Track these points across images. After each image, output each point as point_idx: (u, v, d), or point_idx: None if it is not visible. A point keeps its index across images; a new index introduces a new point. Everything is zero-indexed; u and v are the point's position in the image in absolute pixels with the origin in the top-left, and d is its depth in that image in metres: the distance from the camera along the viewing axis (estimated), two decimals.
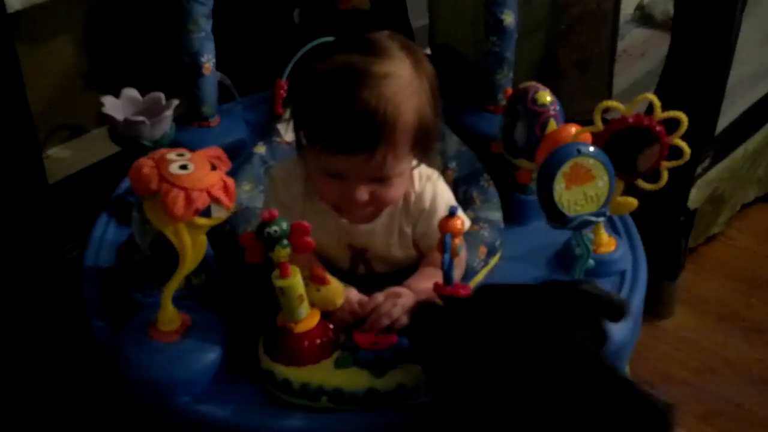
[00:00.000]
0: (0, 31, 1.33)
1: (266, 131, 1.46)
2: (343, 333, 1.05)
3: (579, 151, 1.02)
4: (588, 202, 1.04)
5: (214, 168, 0.98)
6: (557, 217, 1.03)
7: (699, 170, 1.64)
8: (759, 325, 1.70)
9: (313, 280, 1.01)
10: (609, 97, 1.64)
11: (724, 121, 1.63)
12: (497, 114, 1.39)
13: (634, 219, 1.30)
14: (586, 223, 1.04)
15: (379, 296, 1.06)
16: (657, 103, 1.08)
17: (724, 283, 1.79)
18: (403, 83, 1.07)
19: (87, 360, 1.25)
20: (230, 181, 0.99)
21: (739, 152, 1.78)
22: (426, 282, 1.09)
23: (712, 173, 1.71)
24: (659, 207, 1.61)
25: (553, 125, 1.23)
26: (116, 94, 1.30)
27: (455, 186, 1.31)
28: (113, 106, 1.29)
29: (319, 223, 1.14)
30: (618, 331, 1.08)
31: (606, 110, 1.09)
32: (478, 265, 1.18)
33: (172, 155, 0.98)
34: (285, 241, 0.97)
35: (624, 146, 1.10)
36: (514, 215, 1.31)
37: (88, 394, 1.42)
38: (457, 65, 1.70)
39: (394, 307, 1.04)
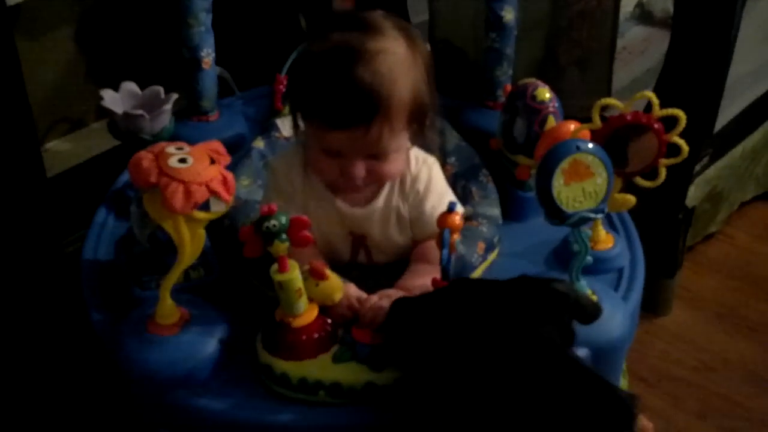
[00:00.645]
0: (0, 24, 1.33)
1: (265, 126, 1.46)
2: (342, 328, 1.05)
3: (578, 148, 1.02)
4: (587, 199, 1.04)
5: (213, 162, 0.99)
6: (556, 214, 1.03)
7: (697, 168, 1.64)
8: (756, 323, 1.70)
9: (311, 275, 1.01)
10: (608, 94, 1.64)
11: (722, 119, 1.63)
12: (497, 110, 1.39)
13: (633, 217, 1.30)
14: (585, 220, 1.04)
15: (373, 297, 1.07)
16: (655, 100, 1.08)
17: (722, 281, 1.80)
18: (398, 59, 1.09)
19: (86, 353, 1.25)
20: (229, 175, 0.99)
21: (738, 150, 1.78)
22: (418, 279, 1.10)
23: (711, 171, 1.71)
24: (657, 205, 1.61)
25: (552, 122, 1.24)
26: (115, 88, 1.30)
27: (454, 181, 1.32)
28: (112, 100, 1.29)
29: (320, 211, 1.17)
30: (615, 328, 1.09)
31: (605, 108, 1.09)
32: (477, 260, 1.18)
33: (171, 149, 0.98)
34: (284, 236, 0.98)
35: (623, 143, 1.11)
36: (512, 212, 1.31)
37: (87, 388, 1.42)
38: (457, 61, 1.70)
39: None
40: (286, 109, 1.48)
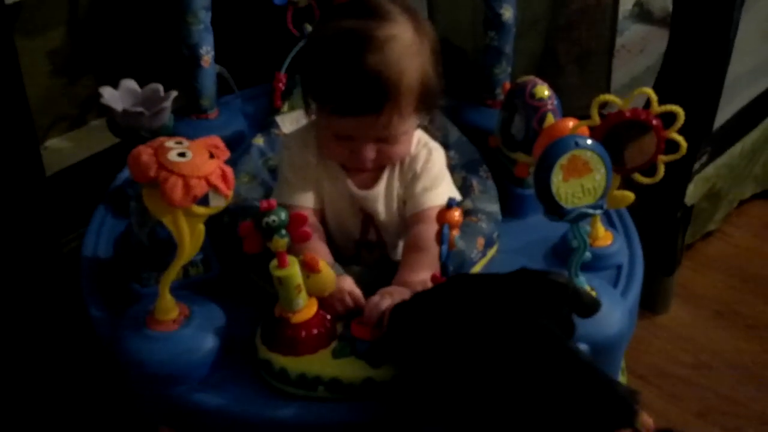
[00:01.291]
0: None
1: (265, 124, 1.46)
2: (341, 323, 1.05)
3: (577, 144, 1.02)
4: (585, 195, 1.04)
5: (212, 156, 0.99)
6: (555, 209, 1.03)
7: (696, 166, 1.64)
8: (755, 321, 1.70)
9: (304, 267, 1.01)
10: (607, 92, 1.64)
11: (721, 117, 1.63)
12: (495, 108, 1.40)
13: (632, 215, 1.31)
14: (584, 216, 1.05)
15: (374, 297, 1.07)
16: (654, 97, 1.08)
17: (721, 280, 1.80)
18: (406, 45, 1.11)
19: (85, 350, 1.25)
20: (228, 170, 0.99)
21: (737, 149, 1.78)
22: (416, 273, 1.10)
23: (710, 169, 1.71)
24: (656, 203, 1.62)
25: (550, 119, 1.24)
26: (115, 86, 1.30)
27: (453, 173, 1.31)
28: (112, 97, 1.29)
29: (333, 188, 1.20)
30: (614, 324, 1.09)
31: (603, 105, 1.09)
32: (476, 256, 1.18)
33: (170, 143, 0.98)
34: (283, 231, 0.98)
35: (621, 140, 1.11)
36: (511, 209, 1.31)
37: (87, 384, 1.43)
38: (456, 60, 1.70)
39: (386, 302, 1.05)
40: (286, 107, 1.48)
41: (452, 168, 1.32)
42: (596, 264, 1.16)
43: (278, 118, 1.46)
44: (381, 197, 1.20)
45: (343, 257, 1.18)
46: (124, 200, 1.27)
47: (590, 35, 1.65)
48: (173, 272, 1.03)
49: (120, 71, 1.38)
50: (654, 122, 1.09)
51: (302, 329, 1.01)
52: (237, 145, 1.39)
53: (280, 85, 1.48)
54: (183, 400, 1.02)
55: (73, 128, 1.66)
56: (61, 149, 1.63)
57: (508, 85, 1.36)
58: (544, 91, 1.26)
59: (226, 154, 1.02)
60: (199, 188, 0.95)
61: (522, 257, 1.20)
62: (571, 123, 1.15)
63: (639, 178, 1.13)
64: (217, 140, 1.02)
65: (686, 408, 1.54)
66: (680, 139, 1.10)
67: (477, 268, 1.18)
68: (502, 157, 1.33)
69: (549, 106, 1.25)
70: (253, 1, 1.69)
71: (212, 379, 1.04)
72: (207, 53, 1.41)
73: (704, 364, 1.62)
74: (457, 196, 1.22)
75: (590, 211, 1.04)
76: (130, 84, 1.31)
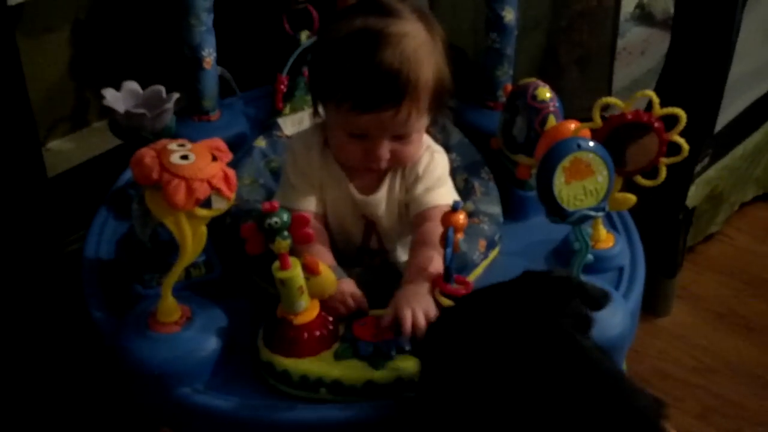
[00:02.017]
0: (1, 24, 1.33)
1: (266, 126, 1.46)
2: (343, 325, 1.05)
3: (579, 146, 1.02)
4: (587, 197, 1.04)
5: (214, 159, 0.99)
6: (557, 212, 1.03)
7: (698, 168, 1.64)
8: (756, 324, 1.70)
9: (305, 269, 1.01)
10: (609, 94, 1.64)
11: (723, 119, 1.63)
12: (497, 110, 1.40)
13: (633, 217, 1.31)
14: (586, 218, 1.05)
15: (387, 316, 1.05)
16: (656, 99, 1.08)
17: (722, 282, 1.79)
18: (420, 42, 1.12)
19: (88, 352, 1.25)
20: (231, 172, 0.99)
21: (738, 151, 1.78)
22: (425, 272, 1.09)
23: (711, 172, 1.71)
24: (658, 205, 1.61)
25: (552, 121, 1.24)
26: (117, 87, 1.31)
27: (455, 175, 1.31)
28: (114, 99, 1.29)
29: (336, 192, 1.20)
30: (616, 326, 1.09)
31: (605, 107, 1.09)
32: (478, 258, 1.18)
33: (173, 145, 0.98)
34: (286, 233, 0.98)
35: (623, 142, 1.11)
36: (513, 211, 1.31)
37: (88, 386, 1.42)
38: (457, 62, 1.70)
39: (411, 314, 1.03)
40: (287, 109, 1.48)
41: (454, 170, 1.32)
42: (598, 266, 1.17)
43: (280, 120, 1.46)
44: (383, 202, 1.20)
45: (345, 262, 1.17)
46: (126, 202, 1.27)
47: (591, 37, 1.65)
48: (175, 274, 1.03)
49: (122, 73, 1.38)
50: (656, 124, 1.10)
51: (304, 331, 1.01)
52: (239, 147, 1.39)
53: (282, 87, 1.48)
54: (185, 401, 1.02)
55: (75, 130, 1.66)
56: (63, 151, 1.63)
57: (509, 86, 1.36)
58: (546, 93, 1.26)
59: (229, 156, 1.02)
60: (202, 191, 0.95)
61: (524, 259, 1.20)
62: (573, 125, 1.15)
63: (640, 180, 1.13)
64: (219, 142, 1.02)
65: (687, 410, 1.53)
66: (682, 141, 1.10)
67: (479, 270, 1.19)
68: (504, 159, 1.33)
69: (551, 108, 1.25)
70: (255, 3, 1.69)
71: (214, 381, 1.04)
72: (209, 55, 1.41)
73: (705, 367, 1.62)
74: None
75: (592, 213, 1.05)
76: (132, 86, 1.31)
